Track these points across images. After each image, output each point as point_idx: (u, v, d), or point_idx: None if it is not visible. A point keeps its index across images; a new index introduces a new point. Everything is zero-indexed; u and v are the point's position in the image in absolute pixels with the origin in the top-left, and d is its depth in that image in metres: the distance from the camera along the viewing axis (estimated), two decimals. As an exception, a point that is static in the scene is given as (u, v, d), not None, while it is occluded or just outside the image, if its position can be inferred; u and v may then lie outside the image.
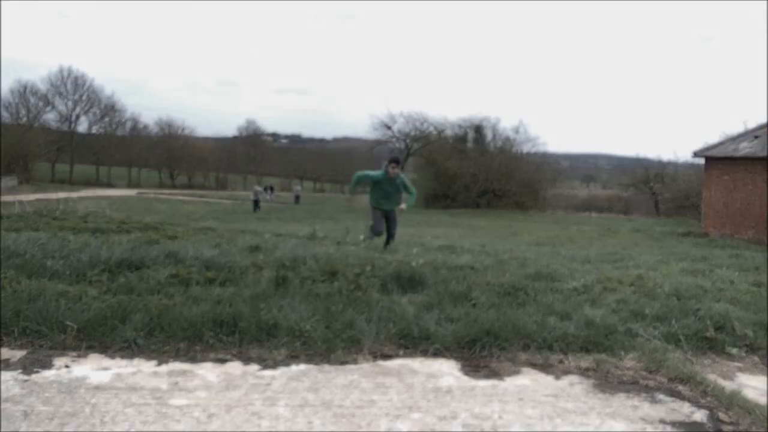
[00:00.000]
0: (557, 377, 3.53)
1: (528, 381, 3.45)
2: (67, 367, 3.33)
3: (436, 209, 40.03)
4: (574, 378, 3.54)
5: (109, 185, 59.53)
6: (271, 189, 37.36)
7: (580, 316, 4.41)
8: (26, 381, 3.12)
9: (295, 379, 3.32)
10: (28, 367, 3.30)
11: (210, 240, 8.43)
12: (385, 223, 9.07)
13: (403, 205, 9.17)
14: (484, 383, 3.39)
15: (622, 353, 3.90)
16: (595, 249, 11.94)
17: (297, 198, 44.83)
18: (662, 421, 2.99)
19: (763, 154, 17.07)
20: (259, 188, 36.49)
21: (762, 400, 3.27)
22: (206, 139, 79.15)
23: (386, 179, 8.82)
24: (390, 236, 9.08)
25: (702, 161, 20.00)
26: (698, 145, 20.02)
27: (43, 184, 47.38)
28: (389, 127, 48.12)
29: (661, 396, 3.32)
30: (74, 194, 32.54)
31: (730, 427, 2.96)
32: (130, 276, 4.87)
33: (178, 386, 3.15)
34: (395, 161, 9.18)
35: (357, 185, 9.50)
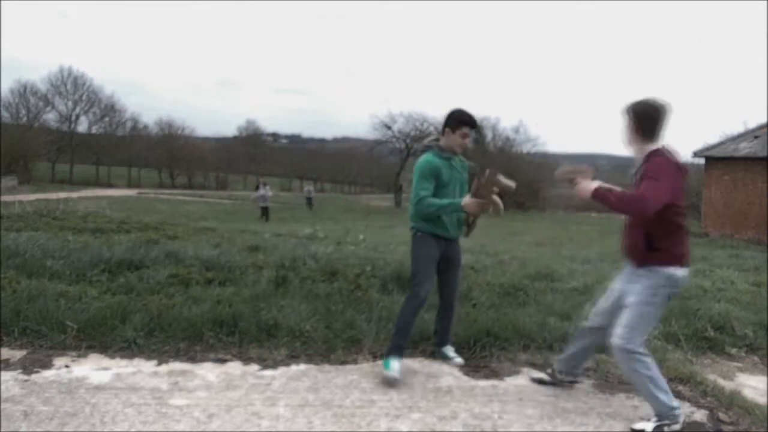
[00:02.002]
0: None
1: (528, 381, 3.45)
2: (67, 367, 3.33)
3: (436, 209, 39.98)
4: (574, 378, 3.54)
5: (109, 185, 59.47)
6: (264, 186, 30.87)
7: (580, 316, 4.41)
8: (26, 381, 3.12)
9: (295, 379, 3.32)
10: (28, 367, 3.30)
11: (210, 240, 8.41)
12: (443, 275, 3.69)
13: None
14: (484, 383, 3.40)
15: (622, 353, 3.90)
16: (595, 249, 11.94)
17: (309, 200, 35.57)
18: (662, 421, 2.99)
19: (763, 154, 17.07)
20: (265, 191, 26.79)
21: (762, 400, 3.27)
22: (206, 139, 79.18)
23: (447, 165, 3.56)
24: (449, 307, 3.75)
25: (702, 161, 20.00)
26: (698, 145, 20.00)
27: (43, 184, 47.31)
28: (389, 127, 47.88)
29: (661, 396, 3.32)
30: (74, 194, 32.49)
31: (730, 427, 2.96)
32: (130, 276, 4.87)
33: (178, 386, 3.15)
34: (468, 122, 3.55)
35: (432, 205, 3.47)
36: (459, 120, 3.52)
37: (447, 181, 3.49)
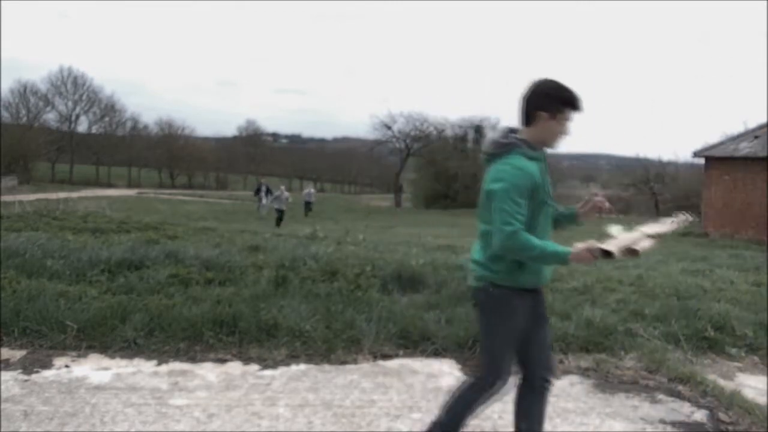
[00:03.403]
0: (557, 377, 3.53)
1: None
2: (67, 367, 3.33)
3: (436, 209, 40.02)
4: (574, 378, 3.54)
5: (109, 185, 59.43)
6: (268, 190, 25.86)
7: (580, 316, 4.41)
8: (26, 381, 3.12)
9: (295, 379, 3.32)
10: (28, 367, 3.30)
11: (210, 240, 8.41)
12: (526, 340, 2.37)
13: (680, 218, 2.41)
14: (484, 383, 3.39)
15: (622, 353, 3.91)
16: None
17: (307, 204, 30.15)
18: (662, 421, 3.00)
19: (763, 154, 17.06)
20: (285, 193, 23.49)
21: (762, 400, 3.27)
22: (206, 139, 79.12)
23: (541, 174, 2.24)
24: (538, 392, 2.44)
25: (702, 161, 20.00)
26: (698, 145, 20.02)
27: (43, 184, 47.27)
28: (389, 127, 47.89)
29: (661, 396, 3.32)
30: (74, 194, 32.45)
31: (730, 427, 2.96)
32: (130, 276, 4.87)
33: (178, 386, 3.15)
34: (575, 103, 2.25)
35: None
36: (563, 100, 2.24)
37: (543, 198, 2.22)
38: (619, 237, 2.14)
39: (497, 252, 2.15)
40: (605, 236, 2.16)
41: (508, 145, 2.24)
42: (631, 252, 2.06)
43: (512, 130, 2.30)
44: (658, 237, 2.18)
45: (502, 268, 2.21)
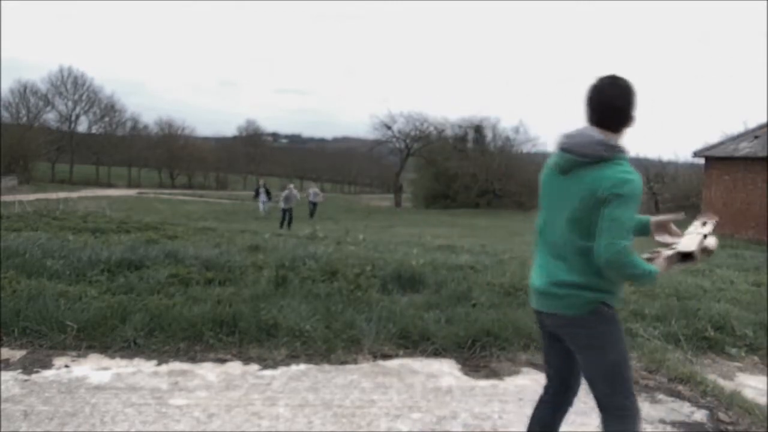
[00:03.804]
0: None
1: (528, 381, 3.45)
2: (67, 367, 3.33)
3: (435, 209, 40.03)
4: (574, 378, 3.54)
5: (109, 185, 59.41)
6: (267, 192, 24.04)
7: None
8: (26, 381, 3.12)
9: (295, 379, 3.33)
10: (28, 367, 3.30)
11: (210, 240, 8.40)
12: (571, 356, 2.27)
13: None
14: (484, 383, 3.40)
15: (622, 353, 3.91)
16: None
17: (314, 206, 25.96)
18: (662, 421, 3.00)
19: (763, 154, 17.07)
20: (294, 191, 21.39)
21: (762, 400, 3.27)
22: (206, 139, 79.16)
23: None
24: (568, 401, 2.46)
25: (702, 161, 20.02)
26: (698, 145, 20.02)
27: (43, 184, 47.27)
28: (389, 127, 47.83)
29: (661, 396, 3.32)
30: (74, 194, 32.48)
31: (730, 427, 2.96)
32: (130, 276, 4.87)
33: (178, 386, 3.15)
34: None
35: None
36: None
37: None
38: (681, 240, 2.08)
39: (600, 266, 1.90)
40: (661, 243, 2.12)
41: (615, 148, 1.99)
42: (706, 252, 2.01)
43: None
44: (711, 237, 2.14)
45: (610, 286, 2.00)
